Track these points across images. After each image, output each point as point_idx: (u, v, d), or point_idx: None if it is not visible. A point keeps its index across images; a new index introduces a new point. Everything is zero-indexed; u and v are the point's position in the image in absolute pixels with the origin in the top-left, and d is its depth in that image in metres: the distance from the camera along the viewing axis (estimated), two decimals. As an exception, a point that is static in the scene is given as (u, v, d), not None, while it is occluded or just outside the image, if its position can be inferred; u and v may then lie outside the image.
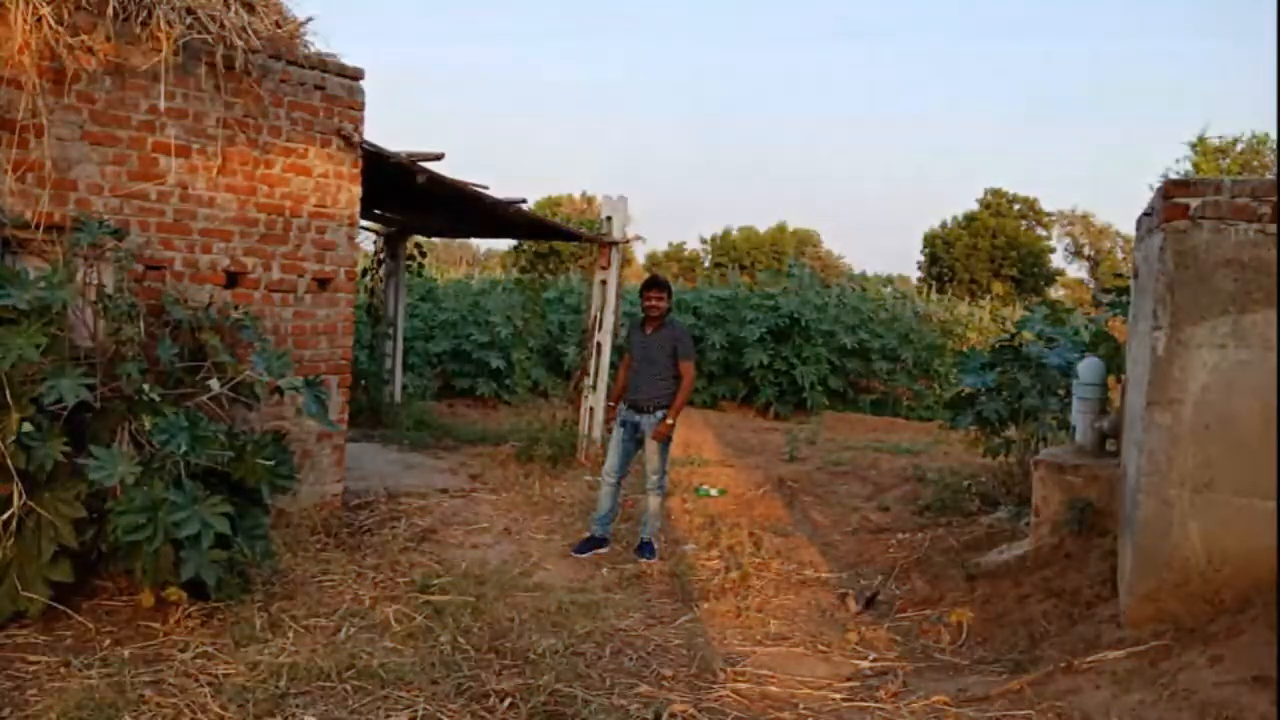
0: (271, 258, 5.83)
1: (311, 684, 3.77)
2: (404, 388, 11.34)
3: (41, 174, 4.78)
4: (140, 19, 4.95)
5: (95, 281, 4.80)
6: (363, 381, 10.66)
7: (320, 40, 6.09)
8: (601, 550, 6.22)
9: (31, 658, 3.87)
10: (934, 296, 23.85)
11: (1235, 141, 24.66)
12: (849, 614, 5.37)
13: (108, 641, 4.09)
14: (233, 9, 5.32)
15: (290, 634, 4.26)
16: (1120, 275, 10.19)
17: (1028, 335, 7.71)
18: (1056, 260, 39.72)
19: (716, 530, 6.85)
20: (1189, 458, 4.02)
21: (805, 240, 42.29)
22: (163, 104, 5.19)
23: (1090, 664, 3.90)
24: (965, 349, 11.82)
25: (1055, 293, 35.97)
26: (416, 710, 3.61)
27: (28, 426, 4.00)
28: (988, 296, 28.18)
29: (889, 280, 23.92)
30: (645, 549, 6.18)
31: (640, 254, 38.11)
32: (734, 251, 40.55)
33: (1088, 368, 5.71)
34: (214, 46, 5.24)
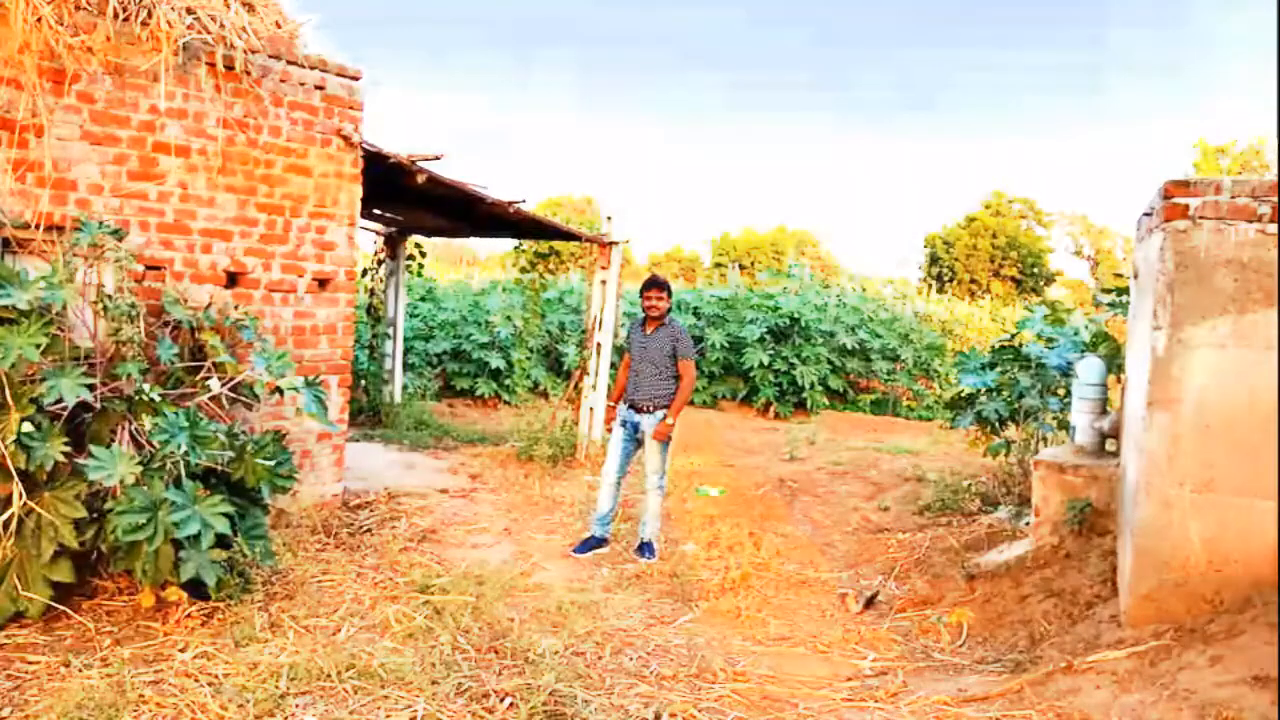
0: (271, 258, 5.83)
1: (311, 684, 3.77)
2: (404, 388, 11.35)
3: (41, 174, 4.79)
4: (140, 19, 4.96)
5: (95, 281, 4.80)
6: (363, 381, 10.67)
7: (320, 40, 6.11)
8: (601, 550, 6.22)
9: (31, 658, 3.87)
10: (934, 296, 23.85)
11: (1235, 141, 24.66)
12: (849, 614, 5.37)
13: (108, 641, 4.09)
14: (233, 9, 5.33)
15: (290, 634, 4.26)
16: (1120, 275, 10.19)
17: (1028, 335, 7.71)
18: (1056, 260, 39.73)
19: (716, 530, 6.85)
20: (1189, 458, 4.02)
21: (805, 240, 42.28)
22: (163, 104, 5.19)
23: (1090, 664, 3.90)
24: (965, 349, 11.82)
25: (1055, 293, 35.96)
26: (416, 710, 3.61)
27: (28, 426, 4.00)
28: (988, 296, 28.18)
29: (889, 280, 23.91)
30: (645, 549, 6.18)
31: (640, 254, 38.17)
32: (734, 251, 40.54)
33: (1088, 368, 5.71)
34: (214, 46, 5.24)
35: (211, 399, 4.82)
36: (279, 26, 5.69)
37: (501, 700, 3.76)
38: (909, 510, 7.36)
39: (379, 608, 4.69)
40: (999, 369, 7.40)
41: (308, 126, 5.89)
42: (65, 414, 4.22)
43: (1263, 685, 3.30)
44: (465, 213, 8.87)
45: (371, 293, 11.05)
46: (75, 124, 4.90)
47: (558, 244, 16.90)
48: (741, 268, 30.76)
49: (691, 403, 12.37)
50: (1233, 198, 3.97)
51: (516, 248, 13.12)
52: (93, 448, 4.11)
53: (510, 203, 8.22)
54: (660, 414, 6.10)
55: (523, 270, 13.02)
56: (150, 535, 4.06)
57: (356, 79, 6.13)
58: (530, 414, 10.41)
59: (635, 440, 6.28)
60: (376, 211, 9.98)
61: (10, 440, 3.95)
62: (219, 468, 4.53)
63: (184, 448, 4.28)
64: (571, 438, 8.91)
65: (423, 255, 11.75)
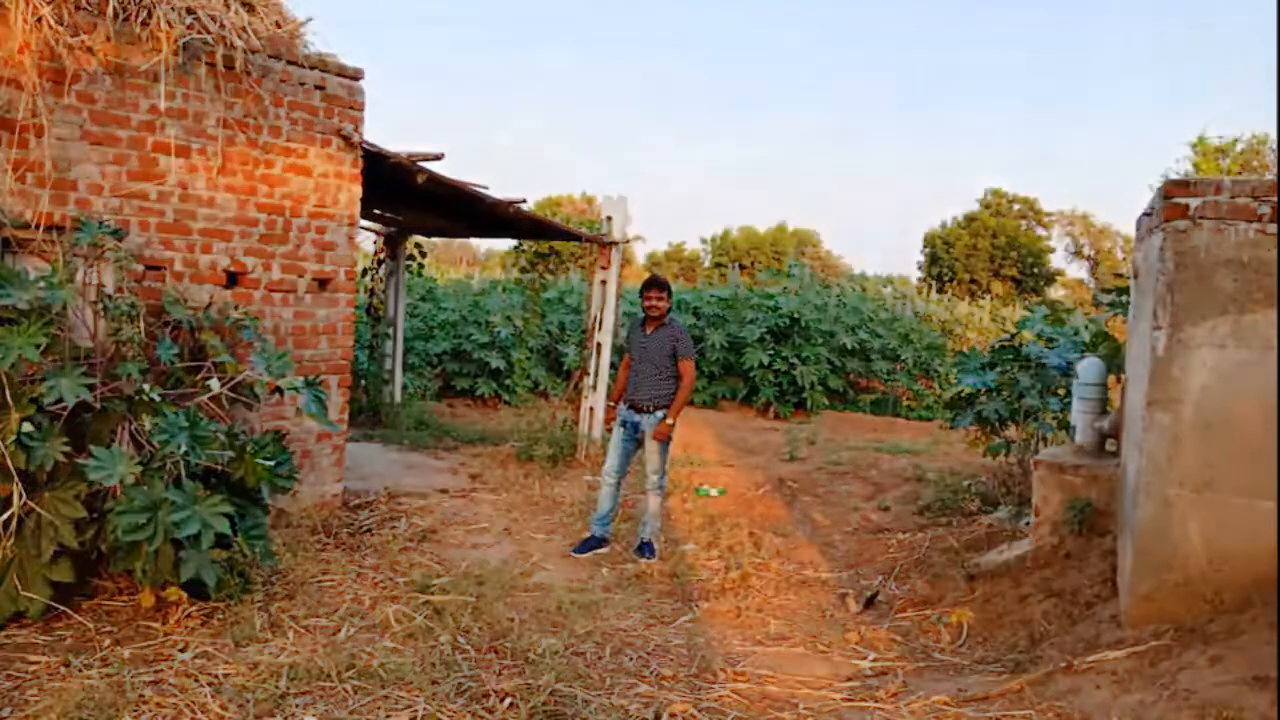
0: (271, 258, 5.83)
1: (311, 684, 3.77)
2: (404, 388, 11.35)
3: (41, 174, 4.78)
4: (140, 19, 4.95)
5: (95, 281, 4.80)
6: (363, 381, 10.67)
7: (320, 40, 6.12)
8: (601, 550, 6.22)
9: (31, 658, 3.87)
10: (934, 296, 23.84)
11: (1235, 141, 24.64)
12: (849, 614, 5.37)
13: (108, 641, 4.09)
14: (233, 9, 5.33)
15: (290, 634, 4.26)
16: (1120, 275, 10.19)
17: (1028, 335, 7.71)
18: (1056, 260, 39.71)
19: (716, 530, 6.85)
20: (1189, 458, 4.02)
21: (805, 240, 42.25)
22: (163, 104, 5.19)
23: (1090, 664, 3.90)
24: (965, 349, 11.82)
25: (1055, 293, 35.95)
26: (416, 710, 3.61)
27: (28, 426, 4.00)
28: (988, 296, 28.17)
29: (889, 280, 23.91)
30: (645, 549, 6.18)
31: (640, 254, 38.15)
32: (734, 251, 40.51)
33: (1088, 368, 5.71)
34: (214, 46, 5.24)
35: (211, 399, 4.82)
36: (279, 26, 5.69)
37: (501, 700, 3.76)
38: (909, 510, 7.36)
39: (379, 608, 4.69)
40: (999, 369, 7.40)
41: (308, 126, 5.89)
42: (65, 414, 4.22)
43: (1263, 685, 3.30)
44: (465, 213, 8.87)
45: (371, 293, 11.04)
46: (75, 124, 4.90)
47: (558, 244, 16.90)
48: (741, 268, 30.74)
49: (691, 403, 12.37)
50: (1233, 198, 3.97)
51: (516, 248, 13.13)
52: (93, 448, 4.11)
53: (510, 203, 8.22)
54: (660, 414, 6.10)
55: (523, 270, 13.03)
56: (150, 535, 4.06)
57: (357, 79, 6.13)
58: (530, 414, 10.42)
59: (635, 440, 6.28)
60: (376, 211, 9.98)
61: (10, 440, 3.95)
62: (219, 468, 4.53)
63: (184, 448, 4.28)
64: (571, 438, 8.90)
65: (423, 255, 11.75)
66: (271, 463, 4.70)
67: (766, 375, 14.08)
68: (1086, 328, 7.93)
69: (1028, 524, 5.64)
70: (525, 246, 13.04)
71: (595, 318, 9.12)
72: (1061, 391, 6.93)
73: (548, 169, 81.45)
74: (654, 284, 6.29)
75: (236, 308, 5.55)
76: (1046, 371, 7.02)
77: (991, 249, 37.71)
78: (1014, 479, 7.16)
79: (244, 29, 5.33)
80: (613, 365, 9.03)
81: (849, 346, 14.71)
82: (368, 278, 11.04)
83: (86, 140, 4.95)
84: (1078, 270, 40.10)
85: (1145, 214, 4.80)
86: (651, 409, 6.13)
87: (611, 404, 6.54)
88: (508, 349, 13.28)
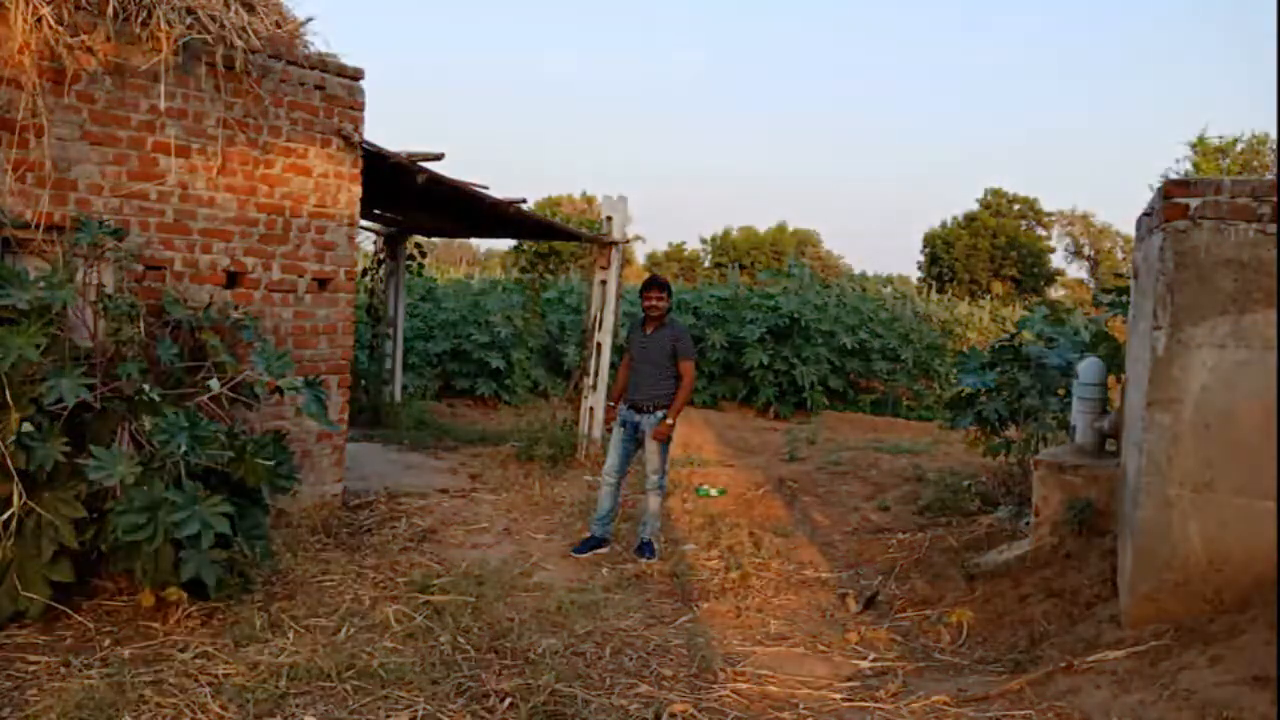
0: (271, 258, 5.83)
1: (311, 684, 3.77)
2: (404, 388, 11.35)
3: (41, 174, 4.78)
4: (140, 19, 4.95)
5: (95, 281, 4.80)
6: (363, 381, 10.67)
7: (320, 40, 6.12)
8: (601, 550, 6.22)
9: (31, 658, 3.87)
10: (934, 296, 23.84)
11: (1235, 141, 24.63)
12: (849, 614, 5.37)
13: (108, 641, 4.09)
14: (233, 9, 5.32)
15: (290, 634, 4.26)
16: (1120, 275, 10.20)
17: (1028, 335, 7.71)
18: (1056, 260, 39.71)
19: (716, 530, 6.85)
20: (1189, 458, 4.02)
21: (805, 240, 42.25)
22: (163, 104, 5.19)
23: (1090, 664, 3.90)
24: (965, 349, 11.82)
25: (1055, 293, 35.94)
26: (416, 710, 3.61)
27: (28, 426, 4.00)
28: (988, 296, 28.16)
29: (889, 280, 23.93)
30: (645, 549, 6.18)
31: (640, 254, 38.15)
32: (734, 251, 40.50)
33: (1088, 368, 5.71)
34: (214, 46, 5.24)
35: (211, 399, 4.81)
36: (279, 26, 5.68)
37: (501, 700, 3.76)
38: (909, 510, 7.36)
39: (379, 608, 4.69)
40: (999, 369, 7.40)
41: (308, 126, 5.88)
42: (65, 414, 4.22)
43: (1263, 685, 3.30)
44: (465, 213, 8.88)
45: (371, 293, 11.04)
46: (75, 124, 4.90)
47: (558, 244, 16.91)
48: (742, 268, 30.74)
49: (691, 403, 12.36)
50: (1233, 198, 3.97)
51: (516, 248, 13.13)
52: (93, 448, 4.11)
53: (510, 203, 8.22)
54: (660, 414, 6.10)
55: (523, 270, 13.03)
56: (150, 535, 4.06)
57: (357, 78, 6.13)
58: (530, 414, 10.42)
59: (635, 440, 6.27)
60: (376, 211, 9.99)
61: (10, 440, 3.95)
62: (219, 468, 4.53)
63: (184, 448, 4.28)
64: (571, 438, 8.90)
65: (423, 255, 11.75)
66: (271, 463, 4.70)
67: (766, 375, 14.09)
68: (1086, 328, 7.93)
69: (1028, 524, 5.64)
70: (525, 246, 13.06)
71: (595, 318, 9.12)
72: (1061, 391, 6.93)
73: (548, 169, 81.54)
74: (654, 284, 6.29)
75: (236, 308, 5.55)
76: (1046, 371, 7.02)
77: (991, 249, 37.70)
78: (1014, 479, 7.16)
79: (244, 29, 5.33)
80: (613, 365, 9.04)
81: (849, 346, 14.71)
82: (368, 278, 11.04)
83: (86, 140, 4.95)
84: (1078, 270, 40.11)
85: (1145, 214, 4.80)
86: (651, 409, 6.13)
87: (611, 404, 6.53)
88: (508, 349, 13.28)
